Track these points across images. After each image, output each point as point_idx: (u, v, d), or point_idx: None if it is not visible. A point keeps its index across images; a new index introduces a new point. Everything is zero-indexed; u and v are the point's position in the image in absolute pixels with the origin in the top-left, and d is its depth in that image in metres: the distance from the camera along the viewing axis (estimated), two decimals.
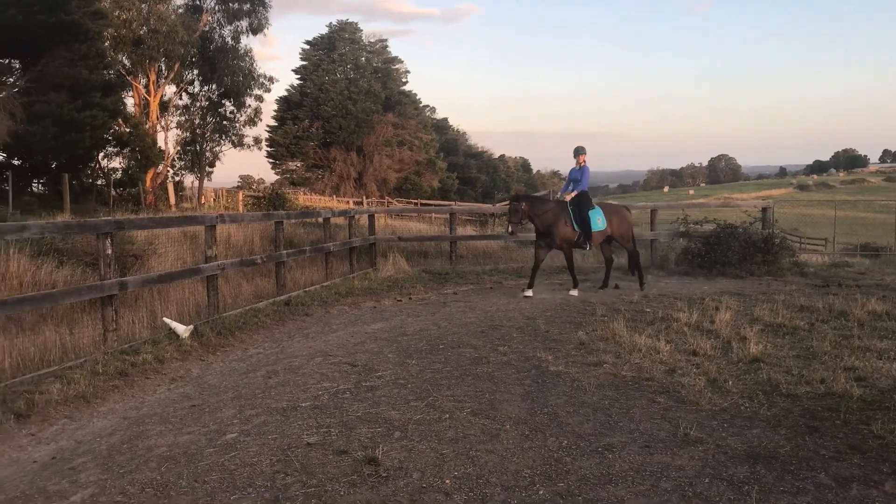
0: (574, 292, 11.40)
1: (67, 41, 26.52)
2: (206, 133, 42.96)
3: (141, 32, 34.98)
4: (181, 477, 4.26)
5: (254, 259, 11.41)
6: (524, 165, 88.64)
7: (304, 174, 57.01)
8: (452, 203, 44.36)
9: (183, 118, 41.80)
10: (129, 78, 36.43)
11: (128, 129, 35.02)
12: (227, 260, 10.59)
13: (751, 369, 6.31)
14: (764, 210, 15.28)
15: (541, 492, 3.93)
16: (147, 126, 36.56)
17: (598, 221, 11.75)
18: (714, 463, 4.29)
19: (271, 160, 57.71)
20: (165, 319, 8.55)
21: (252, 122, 44.42)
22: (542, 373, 6.38)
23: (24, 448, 5.15)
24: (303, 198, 43.51)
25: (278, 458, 4.46)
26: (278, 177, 56.32)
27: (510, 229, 11.59)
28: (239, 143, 44.37)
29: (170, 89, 40.03)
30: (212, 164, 44.55)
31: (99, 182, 35.34)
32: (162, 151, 37.82)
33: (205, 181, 44.66)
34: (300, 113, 55.87)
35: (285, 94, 58.66)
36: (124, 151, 35.80)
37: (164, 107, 39.46)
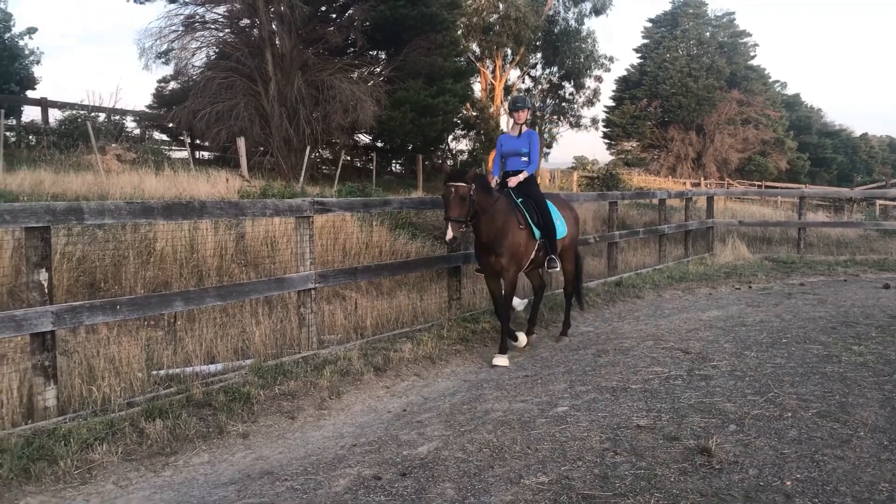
0: (503, 360, 6.87)
1: (426, 32, 29.04)
2: (546, 115, 44.40)
3: (491, 19, 37.05)
4: (515, 442, 4.48)
5: (587, 238, 11.54)
6: (890, 145, 77.86)
7: (640, 154, 56.06)
8: (802, 186, 40.66)
9: None
10: (477, 64, 38.88)
11: (474, 113, 37.46)
12: None
13: None
14: None
15: None
16: (491, 110, 38.76)
17: (558, 223, 7.64)
18: None
19: (607, 140, 57.77)
20: None
21: (590, 102, 44.99)
22: None
23: (381, 399, 5.82)
24: (637, 178, 42.84)
25: (607, 437, 4.49)
26: (612, 157, 56.18)
27: (450, 234, 6.46)
28: (576, 124, 45.29)
29: (513, 74, 42.01)
30: (549, 146, 46.02)
31: (448, 162, 38.30)
32: None
33: (542, 161, 46.25)
34: (638, 92, 54.98)
35: (624, 73, 58.13)
36: (470, 134, 38.39)
37: (507, 91, 41.51)
